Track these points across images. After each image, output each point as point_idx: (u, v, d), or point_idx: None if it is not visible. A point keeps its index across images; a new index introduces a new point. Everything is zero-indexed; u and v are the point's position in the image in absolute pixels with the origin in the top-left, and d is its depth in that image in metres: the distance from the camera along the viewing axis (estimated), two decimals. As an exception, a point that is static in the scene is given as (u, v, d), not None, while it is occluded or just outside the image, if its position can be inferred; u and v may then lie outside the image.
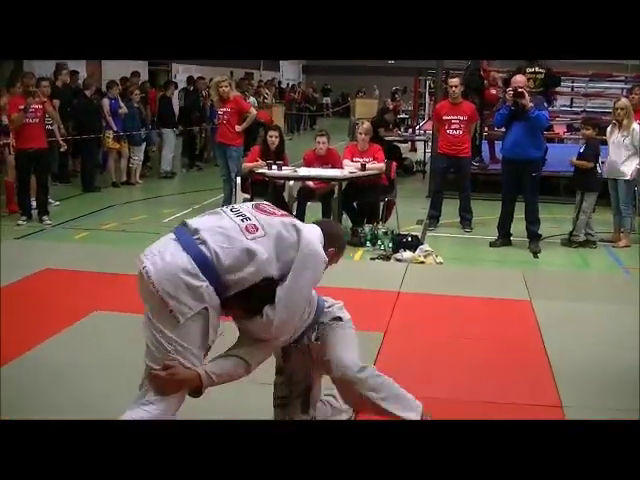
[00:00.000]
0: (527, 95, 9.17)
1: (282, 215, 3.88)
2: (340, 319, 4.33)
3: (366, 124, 10.67)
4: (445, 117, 10.72)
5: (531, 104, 9.05)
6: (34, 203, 12.09)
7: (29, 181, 10.80)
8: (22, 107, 10.23)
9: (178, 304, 3.46)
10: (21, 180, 10.83)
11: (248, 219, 3.70)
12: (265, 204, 3.96)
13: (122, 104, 14.52)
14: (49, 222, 10.66)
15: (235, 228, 3.63)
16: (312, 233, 3.87)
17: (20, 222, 10.54)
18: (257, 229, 3.65)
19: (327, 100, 39.76)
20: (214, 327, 3.61)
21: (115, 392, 4.47)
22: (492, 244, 9.66)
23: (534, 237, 9.57)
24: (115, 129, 14.29)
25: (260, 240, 3.62)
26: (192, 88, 18.54)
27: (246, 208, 3.84)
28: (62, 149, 12.93)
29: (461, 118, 10.59)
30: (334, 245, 4.10)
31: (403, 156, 17.62)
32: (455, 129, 10.59)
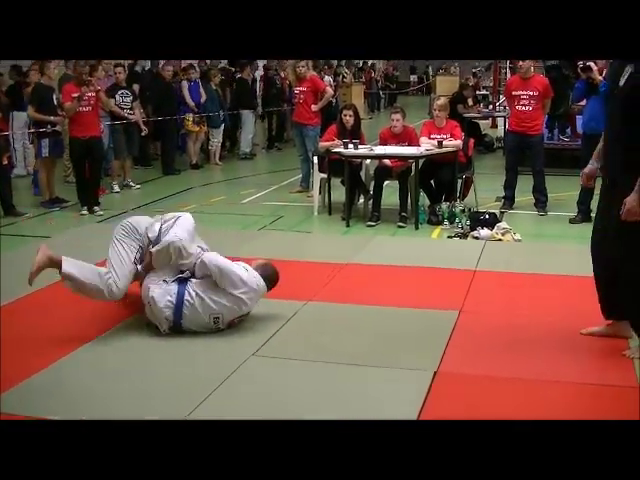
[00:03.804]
0: (595, 68, 8.92)
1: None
2: None
3: (442, 100, 10.54)
4: (514, 92, 10.36)
5: (600, 77, 8.77)
6: (116, 186, 12.35)
7: (84, 170, 10.73)
8: (76, 95, 10.24)
9: None
10: (77, 169, 10.87)
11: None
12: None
13: (202, 88, 14.67)
14: (101, 212, 10.59)
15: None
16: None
17: (83, 212, 10.58)
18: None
19: (414, 78, 39.48)
20: None
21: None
22: (572, 220, 9.48)
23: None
24: (195, 112, 14.44)
25: None
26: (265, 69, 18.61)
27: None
28: (143, 133, 13.13)
29: (531, 94, 10.17)
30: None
31: (483, 133, 17.44)
32: (524, 105, 10.20)
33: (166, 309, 5.50)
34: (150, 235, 5.68)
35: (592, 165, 5.51)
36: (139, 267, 5.67)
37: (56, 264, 5.53)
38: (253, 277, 5.68)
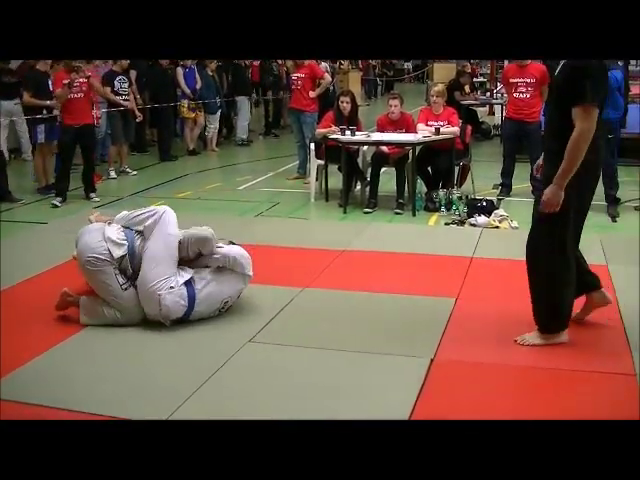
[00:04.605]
0: None
1: None
2: None
3: (439, 86, 10.50)
4: (512, 80, 10.35)
5: None
6: (112, 172, 12.32)
7: (72, 158, 10.60)
8: (66, 82, 10.02)
9: None
10: (63, 157, 10.57)
11: None
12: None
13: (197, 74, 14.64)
14: (97, 199, 10.50)
15: None
16: None
17: (56, 203, 10.24)
18: None
19: (408, 65, 39.38)
20: None
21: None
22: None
23: (612, 201, 9.35)
24: (191, 98, 14.42)
25: None
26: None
27: None
28: (138, 119, 13.11)
29: (528, 81, 10.15)
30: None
31: (480, 120, 17.40)
32: (522, 92, 10.19)
33: (179, 312, 5.48)
34: (117, 248, 5.50)
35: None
36: (125, 287, 5.52)
37: (74, 304, 5.66)
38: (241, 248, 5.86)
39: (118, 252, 5.46)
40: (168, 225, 5.61)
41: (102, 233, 5.51)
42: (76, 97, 10.22)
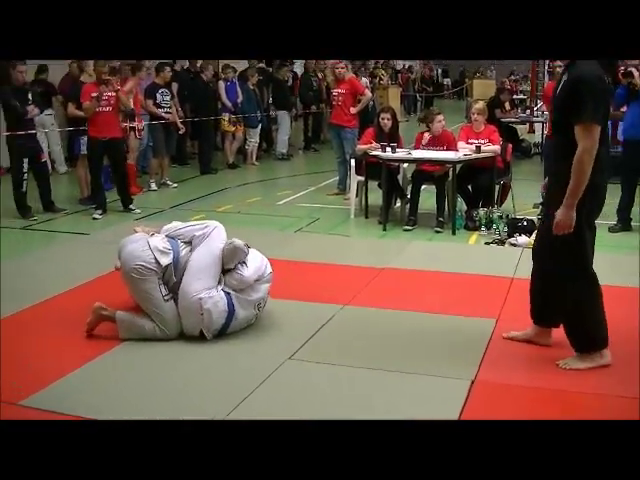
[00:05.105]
0: (636, 74, 8.87)
1: None
2: None
3: (480, 104, 10.45)
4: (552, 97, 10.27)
5: None
6: (153, 184, 12.41)
7: (101, 171, 10.59)
8: (95, 95, 10.05)
9: None
10: (93, 170, 10.55)
11: None
12: None
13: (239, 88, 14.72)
14: (138, 210, 10.53)
15: None
16: None
17: (96, 216, 10.32)
18: None
19: (447, 81, 39.35)
20: None
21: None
22: (611, 229, 9.37)
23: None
24: (232, 112, 14.50)
25: None
26: (303, 69, 18.66)
27: None
28: (180, 132, 13.21)
29: None
30: None
31: (521, 138, 17.32)
32: None
33: (221, 318, 5.52)
34: (166, 258, 5.55)
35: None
36: (167, 299, 5.56)
37: (109, 319, 5.61)
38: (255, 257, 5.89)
39: (164, 260, 5.49)
40: (217, 240, 5.66)
41: (146, 242, 5.54)
42: (104, 110, 10.20)
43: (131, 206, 10.66)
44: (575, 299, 5.02)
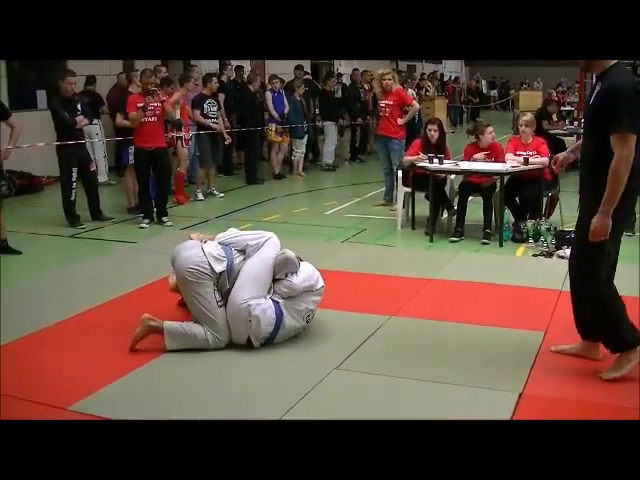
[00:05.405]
0: None
1: None
2: None
3: (528, 115, 10.39)
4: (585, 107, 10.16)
5: None
6: (200, 194, 12.48)
7: (148, 180, 10.60)
8: (140, 105, 10.15)
9: None
10: (140, 179, 10.63)
11: None
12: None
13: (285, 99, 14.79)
14: (170, 223, 10.48)
15: None
16: None
17: (143, 225, 10.43)
18: None
19: (494, 93, 39.20)
20: None
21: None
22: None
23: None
24: (279, 122, 14.57)
25: None
26: (351, 81, 18.72)
27: None
28: (226, 142, 13.28)
29: None
30: None
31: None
32: None
33: (269, 326, 5.53)
34: (221, 265, 5.57)
35: (567, 154, 5.68)
36: (220, 305, 5.56)
37: (157, 331, 5.53)
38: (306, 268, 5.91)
39: (219, 267, 5.51)
40: (270, 250, 5.69)
41: (201, 248, 5.57)
42: (149, 121, 10.28)
43: (164, 218, 10.60)
44: (601, 304, 5.04)
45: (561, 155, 5.62)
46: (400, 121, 11.76)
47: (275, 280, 5.67)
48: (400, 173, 10.63)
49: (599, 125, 4.78)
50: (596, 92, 4.87)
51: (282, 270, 5.64)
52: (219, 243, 5.75)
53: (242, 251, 5.72)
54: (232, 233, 5.91)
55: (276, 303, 5.57)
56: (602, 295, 5.04)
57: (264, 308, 5.48)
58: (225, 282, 5.55)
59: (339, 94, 18.15)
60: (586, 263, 5.01)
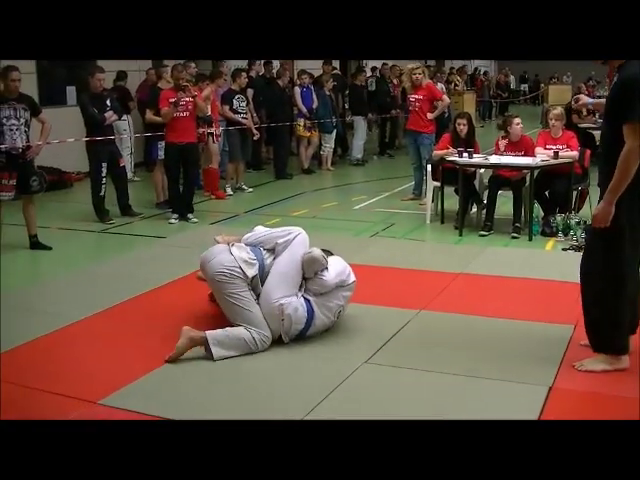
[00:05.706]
0: None
1: None
2: None
3: (558, 109, 10.33)
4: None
5: None
6: (229, 189, 12.51)
7: (178, 176, 10.57)
8: (173, 100, 10.15)
9: None
10: (169, 175, 10.64)
11: None
12: None
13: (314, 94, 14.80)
14: (195, 220, 10.43)
15: None
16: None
17: (172, 220, 10.43)
18: None
19: (524, 87, 39.01)
20: None
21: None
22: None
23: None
24: (307, 117, 14.58)
25: None
26: (379, 75, 18.69)
27: None
28: (255, 137, 13.31)
29: None
30: None
31: (598, 144, 17.04)
32: None
33: (299, 324, 5.53)
34: (251, 267, 5.51)
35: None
36: (256, 302, 5.51)
37: (199, 342, 5.33)
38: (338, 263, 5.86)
39: (251, 272, 5.46)
40: (300, 247, 5.66)
41: (230, 254, 5.52)
42: (181, 116, 10.27)
43: (190, 215, 10.54)
44: (601, 287, 4.98)
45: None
46: (430, 115, 11.73)
47: (306, 278, 5.66)
48: (429, 167, 10.62)
49: (615, 116, 4.75)
50: (613, 84, 4.87)
51: (310, 269, 5.60)
52: (248, 244, 5.74)
53: (271, 250, 5.69)
54: (259, 232, 5.89)
55: (307, 301, 5.56)
56: (607, 292, 4.96)
57: (296, 306, 5.47)
58: (258, 284, 5.51)
59: (373, 87, 18.07)
60: (597, 252, 4.99)
